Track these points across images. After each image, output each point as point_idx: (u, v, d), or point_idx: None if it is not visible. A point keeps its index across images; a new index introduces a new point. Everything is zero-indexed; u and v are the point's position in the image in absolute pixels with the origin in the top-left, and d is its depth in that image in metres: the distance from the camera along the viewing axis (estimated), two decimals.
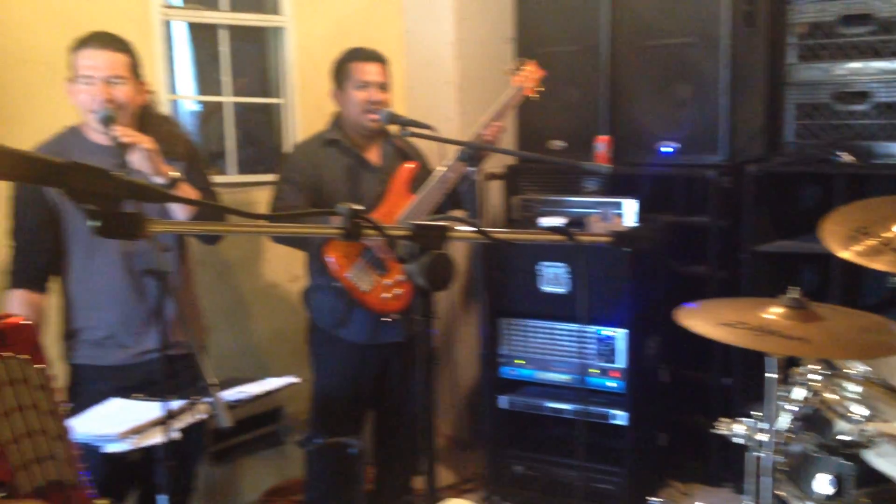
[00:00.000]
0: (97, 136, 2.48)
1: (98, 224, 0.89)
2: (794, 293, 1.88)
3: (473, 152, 2.67)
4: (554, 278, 3.36)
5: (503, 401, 3.57)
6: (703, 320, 1.86)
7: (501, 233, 1.17)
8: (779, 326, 1.79)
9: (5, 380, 0.84)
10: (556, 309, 3.36)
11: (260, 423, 3.62)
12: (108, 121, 2.30)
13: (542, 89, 3.12)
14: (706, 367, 3.52)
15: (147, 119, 2.57)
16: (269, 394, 2.62)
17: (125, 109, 2.44)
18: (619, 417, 3.30)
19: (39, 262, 2.50)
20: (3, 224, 2.54)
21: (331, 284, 2.92)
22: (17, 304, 2.46)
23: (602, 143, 3.54)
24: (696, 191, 3.52)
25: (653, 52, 3.52)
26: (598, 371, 3.32)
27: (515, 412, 3.55)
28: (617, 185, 3.48)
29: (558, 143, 3.73)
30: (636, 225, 3.29)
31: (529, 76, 3.08)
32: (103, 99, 2.38)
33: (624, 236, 1.43)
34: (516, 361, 3.52)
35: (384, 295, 2.97)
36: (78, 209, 0.89)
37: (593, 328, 3.30)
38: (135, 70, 2.48)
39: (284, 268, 3.58)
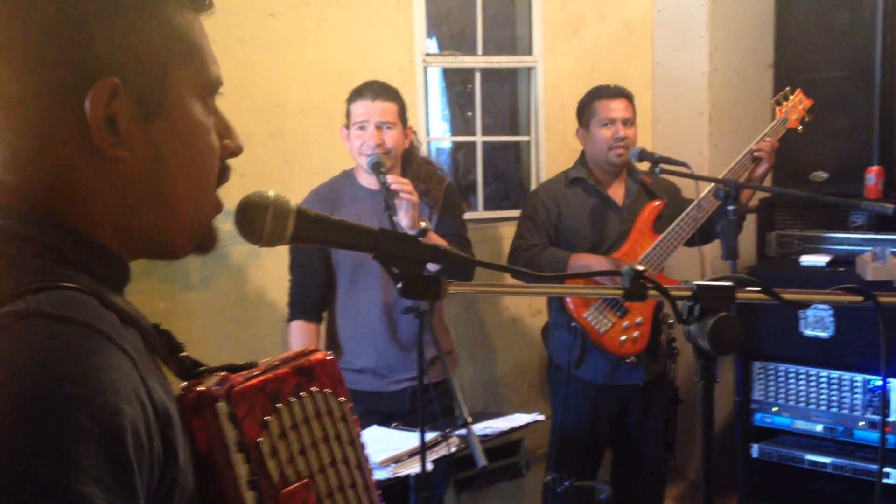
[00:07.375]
0: (367, 179, 2.65)
1: (401, 286, 0.95)
2: None
3: (733, 190, 2.54)
4: (817, 321, 3.12)
5: (755, 449, 3.37)
6: None
7: (793, 294, 1.10)
8: None
9: (313, 413, 0.92)
10: (818, 354, 3.12)
11: (501, 454, 3.69)
12: (377, 167, 2.46)
13: (808, 120, 2.95)
14: None
15: (409, 160, 2.73)
16: (515, 430, 2.65)
17: (393, 153, 2.60)
18: (894, 476, 2.99)
19: (314, 294, 2.71)
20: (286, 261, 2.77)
21: (569, 324, 2.93)
22: (296, 334, 2.70)
23: (873, 175, 3.25)
24: None
25: None
26: (866, 423, 3.04)
27: (768, 462, 3.34)
28: (890, 219, 3.17)
29: (821, 175, 3.48)
30: None
31: (796, 106, 2.92)
32: (375, 143, 2.55)
33: None
34: (772, 409, 3.31)
35: (622, 338, 2.93)
36: (385, 270, 0.96)
37: (861, 376, 3.02)
38: (402, 116, 2.65)
39: (527, 301, 3.63)
